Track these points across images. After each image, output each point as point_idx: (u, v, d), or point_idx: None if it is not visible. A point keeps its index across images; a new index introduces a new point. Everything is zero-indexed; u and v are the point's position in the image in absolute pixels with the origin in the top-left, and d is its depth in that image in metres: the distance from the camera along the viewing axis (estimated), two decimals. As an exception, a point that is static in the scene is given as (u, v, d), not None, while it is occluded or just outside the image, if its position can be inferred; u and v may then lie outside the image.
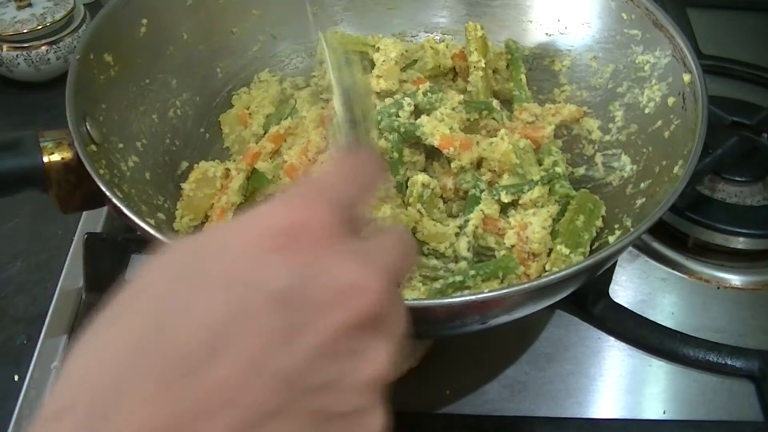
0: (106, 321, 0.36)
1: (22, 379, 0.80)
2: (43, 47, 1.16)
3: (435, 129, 0.83)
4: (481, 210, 0.81)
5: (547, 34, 1.01)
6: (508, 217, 0.83)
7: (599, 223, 0.82)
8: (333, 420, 0.36)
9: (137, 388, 0.33)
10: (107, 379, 0.33)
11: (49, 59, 1.16)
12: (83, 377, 0.34)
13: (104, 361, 0.34)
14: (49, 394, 0.34)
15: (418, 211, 0.79)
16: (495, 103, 0.92)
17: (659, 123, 0.85)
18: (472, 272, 0.75)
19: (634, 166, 0.86)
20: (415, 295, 0.75)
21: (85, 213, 0.97)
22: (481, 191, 0.83)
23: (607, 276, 0.89)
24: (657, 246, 0.96)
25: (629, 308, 0.88)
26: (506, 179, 0.85)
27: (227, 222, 0.38)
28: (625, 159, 0.88)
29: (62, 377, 0.34)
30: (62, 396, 0.34)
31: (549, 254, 0.80)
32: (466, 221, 0.80)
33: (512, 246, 0.79)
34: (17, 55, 1.15)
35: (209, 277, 0.36)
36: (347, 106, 0.48)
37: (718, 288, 0.93)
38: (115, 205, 0.68)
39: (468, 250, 0.78)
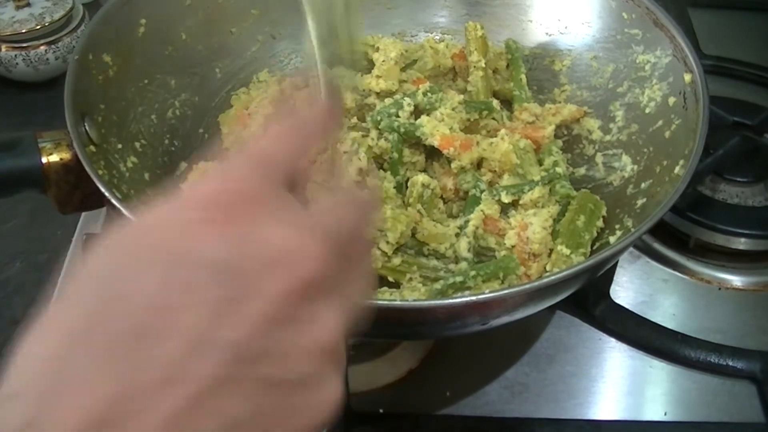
0: (53, 307, 0.36)
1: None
2: (42, 47, 1.16)
3: (435, 129, 0.83)
4: (482, 210, 0.81)
5: (547, 33, 1.01)
6: (508, 217, 0.83)
7: (600, 223, 0.82)
8: (285, 388, 0.36)
9: (82, 368, 0.33)
10: (52, 361, 0.33)
11: (47, 59, 1.16)
12: (30, 361, 0.34)
13: (50, 345, 0.34)
14: (2, 380, 0.34)
15: (418, 211, 0.79)
16: (495, 103, 0.92)
17: (660, 123, 0.85)
18: (473, 273, 0.75)
19: (635, 167, 0.86)
20: (416, 295, 0.75)
21: (84, 214, 0.97)
22: (482, 191, 0.83)
23: (608, 277, 0.89)
24: (658, 247, 0.96)
25: (630, 309, 0.88)
26: (506, 179, 0.85)
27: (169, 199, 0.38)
28: (625, 159, 0.88)
29: (12, 362, 0.34)
30: (12, 380, 0.34)
31: (550, 255, 0.80)
32: (467, 222, 0.80)
33: (513, 246, 0.79)
34: (16, 55, 1.15)
35: (148, 254, 0.36)
36: (317, 23, 0.47)
37: (720, 289, 0.93)
38: (114, 206, 0.68)
39: (468, 250, 0.78)
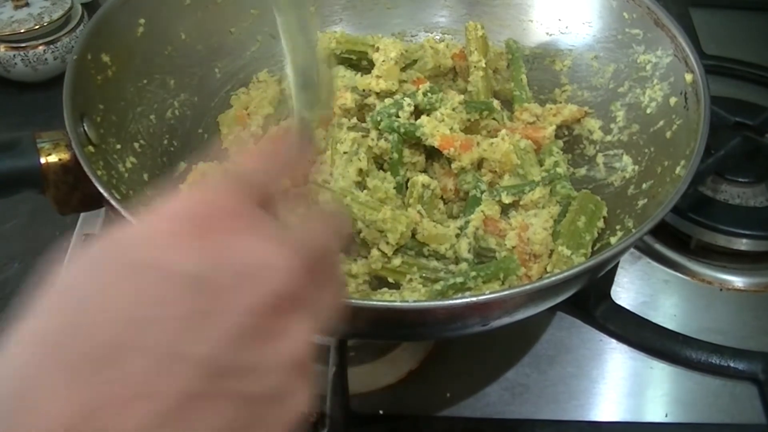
0: (23, 321, 0.35)
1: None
2: (41, 47, 1.16)
3: (435, 129, 0.83)
4: (482, 211, 0.81)
5: (547, 33, 1.01)
6: (509, 218, 0.83)
7: (601, 224, 0.82)
8: (256, 402, 0.36)
9: (50, 384, 0.33)
10: (22, 378, 0.33)
11: (46, 59, 1.16)
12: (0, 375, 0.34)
13: (18, 361, 0.34)
14: None
15: (419, 212, 0.79)
16: (495, 103, 0.92)
17: (661, 123, 0.85)
18: (473, 274, 0.75)
19: (636, 167, 0.86)
20: (416, 296, 0.75)
21: (82, 214, 0.97)
22: (482, 192, 0.83)
23: (609, 278, 0.89)
24: (659, 247, 0.96)
25: (631, 310, 0.88)
26: (507, 180, 0.85)
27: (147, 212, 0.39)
28: (626, 159, 0.88)
29: None
30: None
31: (550, 255, 0.80)
32: (467, 222, 0.80)
33: (513, 247, 0.79)
34: (14, 55, 1.15)
35: (118, 268, 0.36)
36: (297, 70, 0.48)
37: (721, 290, 0.93)
38: (113, 207, 0.68)
39: (469, 251, 0.78)
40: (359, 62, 0.95)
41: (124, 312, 0.34)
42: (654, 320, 0.87)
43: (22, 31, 1.15)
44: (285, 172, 0.45)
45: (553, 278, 0.64)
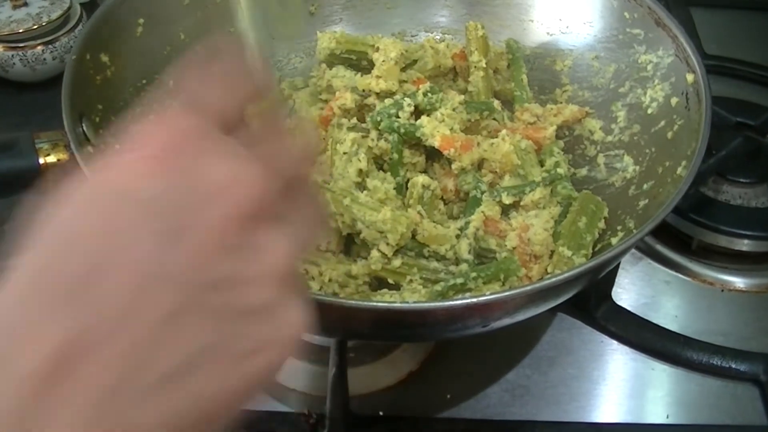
0: (12, 262, 0.37)
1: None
2: (39, 47, 1.16)
3: (435, 130, 0.83)
4: (482, 211, 0.81)
5: (548, 33, 1.01)
6: (509, 218, 0.83)
7: (602, 224, 0.82)
8: (243, 316, 0.37)
9: (39, 311, 0.34)
10: (10, 308, 0.34)
11: (45, 59, 1.16)
12: None
13: (8, 295, 0.35)
14: None
15: (419, 212, 0.79)
16: (496, 103, 0.92)
17: (662, 123, 0.85)
18: (473, 274, 0.75)
19: (637, 167, 0.86)
20: (416, 297, 0.75)
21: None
22: (482, 192, 0.83)
23: (610, 278, 0.89)
24: (660, 248, 0.96)
25: (632, 311, 0.88)
26: (507, 180, 0.85)
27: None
28: (627, 160, 0.88)
29: None
30: None
31: (551, 256, 0.80)
32: (467, 223, 0.80)
33: (514, 248, 0.79)
34: (13, 55, 1.15)
35: (92, 197, 0.37)
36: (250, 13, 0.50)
37: (722, 291, 0.93)
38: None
39: (469, 252, 0.78)
40: (359, 62, 0.95)
41: (100, 238, 0.35)
42: (655, 321, 0.87)
43: (20, 31, 1.15)
44: (242, 94, 0.45)
45: (554, 279, 0.64)
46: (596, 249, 0.80)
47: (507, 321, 0.67)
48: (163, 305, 0.35)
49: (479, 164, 0.86)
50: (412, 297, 0.75)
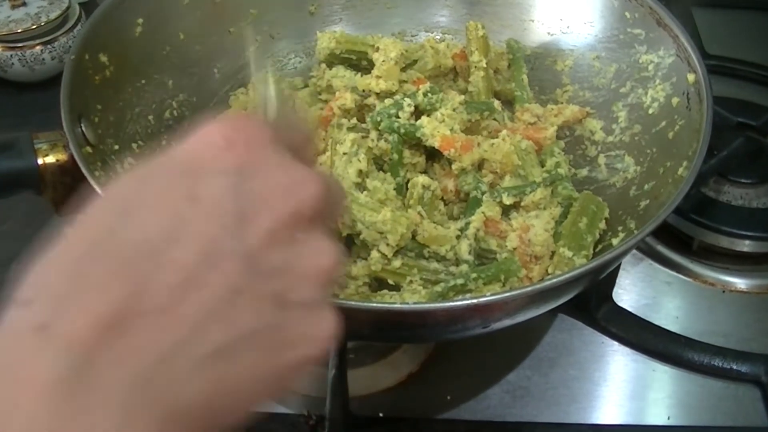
0: (68, 227, 0.37)
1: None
2: (38, 47, 1.16)
3: (435, 130, 0.83)
4: (483, 212, 0.81)
5: (549, 33, 1.01)
6: (509, 219, 0.83)
7: (602, 225, 0.82)
8: (291, 308, 0.39)
9: (96, 274, 0.34)
10: (66, 269, 0.35)
11: (43, 59, 1.16)
12: (44, 270, 0.36)
13: (64, 256, 0.36)
14: (18, 288, 0.35)
15: (419, 213, 0.79)
16: (496, 103, 0.93)
17: (663, 123, 0.85)
18: (474, 275, 0.75)
19: (638, 168, 0.86)
20: (416, 298, 0.75)
21: (80, 215, 0.96)
22: (483, 193, 0.83)
23: (611, 279, 0.89)
24: (661, 249, 0.97)
25: (633, 312, 0.88)
26: (508, 181, 0.85)
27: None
28: (628, 160, 0.88)
29: (28, 274, 0.36)
30: (26, 288, 0.35)
31: (551, 257, 0.80)
32: (468, 224, 0.80)
33: (514, 249, 0.79)
34: (11, 55, 1.15)
35: (164, 171, 0.39)
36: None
37: (724, 292, 0.93)
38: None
39: (469, 252, 0.78)
40: (359, 62, 0.95)
41: (166, 208, 0.36)
42: (656, 322, 0.87)
43: (19, 30, 1.15)
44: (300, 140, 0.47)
45: (555, 280, 0.64)
46: (597, 250, 0.80)
47: (507, 322, 0.67)
48: (225, 281, 0.36)
49: (479, 165, 0.86)
50: (412, 298, 0.75)
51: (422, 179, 0.82)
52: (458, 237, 0.80)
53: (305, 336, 0.39)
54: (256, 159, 0.40)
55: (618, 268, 0.87)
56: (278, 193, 0.39)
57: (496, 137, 0.87)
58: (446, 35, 1.06)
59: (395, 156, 0.84)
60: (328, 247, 0.41)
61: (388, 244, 0.76)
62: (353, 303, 0.66)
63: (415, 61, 0.96)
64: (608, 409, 0.81)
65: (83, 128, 0.77)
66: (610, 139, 0.92)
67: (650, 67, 0.89)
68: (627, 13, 0.92)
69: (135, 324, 0.33)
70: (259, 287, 0.37)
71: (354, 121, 0.88)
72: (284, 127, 0.46)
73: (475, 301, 0.62)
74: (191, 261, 0.35)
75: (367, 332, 0.72)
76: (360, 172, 0.81)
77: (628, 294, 0.92)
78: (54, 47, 1.16)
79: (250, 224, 0.37)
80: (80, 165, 0.71)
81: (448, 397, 0.81)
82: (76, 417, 0.32)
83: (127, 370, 0.33)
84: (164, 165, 0.39)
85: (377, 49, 0.91)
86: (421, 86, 0.89)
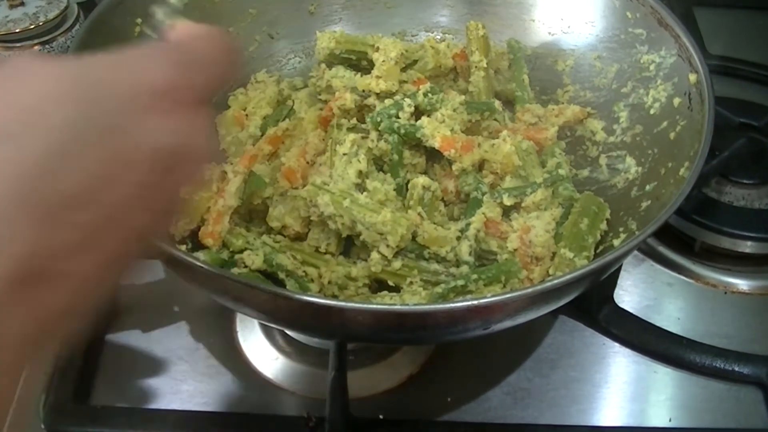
0: None
1: (14, 385, 0.81)
2: (36, 47, 1.16)
3: (436, 130, 0.83)
4: (483, 213, 0.81)
5: (550, 33, 1.01)
6: (510, 220, 0.83)
7: (604, 226, 0.82)
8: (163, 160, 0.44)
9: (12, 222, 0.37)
10: None
11: (41, 59, 1.16)
12: None
13: None
14: None
15: (419, 214, 0.79)
16: (497, 103, 0.93)
17: (665, 124, 0.85)
18: (474, 276, 0.75)
19: (639, 168, 0.86)
20: (416, 300, 0.75)
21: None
22: (483, 194, 0.83)
23: (612, 280, 0.89)
24: (663, 250, 0.97)
25: (634, 313, 0.88)
26: (508, 182, 0.86)
27: (105, 63, 0.48)
28: (629, 161, 0.88)
29: None
30: None
31: (552, 258, 0.80)
32: (468, 224, 0.80)
33: (515, 250, 0.79)
34: (9, 55, 1.15)
35: (93, 125, 0.41)
36: None
37: (726, 293, 0.93)
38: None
39: (470, 254, 0.78)
40: (359, 62, 0.95)
41: (95, 165, 0.40)
42: (658, 324, 0.87)
43: (17, 30, 1.15)
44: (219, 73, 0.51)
45: (556, 281, 0.64)
46: (598, 251, 0.80)
47: (508, 323, 0.67)
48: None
49: (480, 165, 0.86)
50: (412, 299, 0.75)
51: (422, 180, 0.82)
52: (459, 238, 0.80)
53: (183, 155, 0.45)
54: (187, 122, 0.45)
55: (619, 269, 0.88)
56: (184, 160, 0.45)
57: (497, 138, 0.88)
58: (447, 35, 1.06)
59: (395, 157, 0.84)
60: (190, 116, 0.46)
61: (388, 246, 0.76)
62: (353, 304, 0.66)
63: (416, 61, 0.96)
64: (609, 410, 0.81)
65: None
66: (612, 139, 0.92)
67: (652, 67, 0.89)
68: (628, 13, 0.92)
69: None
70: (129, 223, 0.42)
71: (354, 121, 0.88)
72: (196, 65, 0.49)
73: (475, 302, 0.62)
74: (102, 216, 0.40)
75: (367, 334, 0.72)
76: (360, 172, 0.81)
77: (629, 295, 0.92)
78: (52, 47, 1.16)
79: (156, 186, 0.43)
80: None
81: (449, 399, 0.81)
82: None
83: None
84: (100, 104, 0.42)
85: (377, 49, 0.91)
86: (421, 86, 0.89)
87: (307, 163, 0.85)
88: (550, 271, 0.79)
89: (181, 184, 0.46)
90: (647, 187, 0.83)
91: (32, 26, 1.15)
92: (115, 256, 0.42)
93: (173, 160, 0.44)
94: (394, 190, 0.81)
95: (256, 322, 0.88)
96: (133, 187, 0.41)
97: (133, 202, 0.41)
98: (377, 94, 0.89)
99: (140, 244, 0.45)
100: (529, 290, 0.63)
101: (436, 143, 0.83)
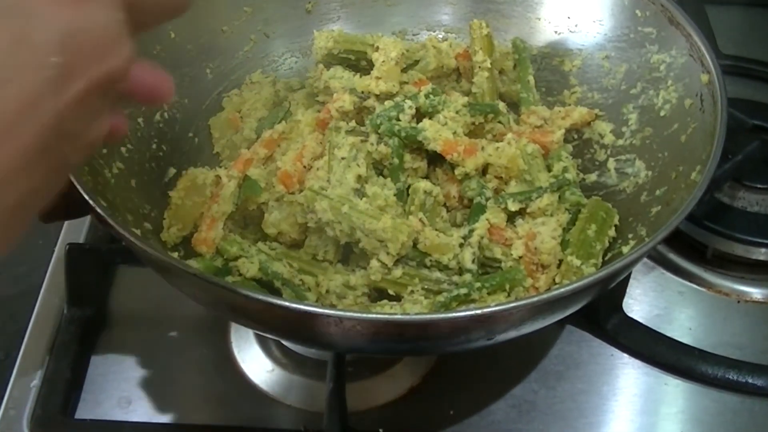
0: None
1: (0, 396, 0.81)
2: None
3: (438, 133, 0.83)
4: (487, 219, 0.81)
5: (556, 32, 1.01)
6: (515, 226, 0.83)
7: (612, 232, 0.82)
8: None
9: None
10: None
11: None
12: None
13: None
14: None
15: (420, 220, 0.80)
16: (501, 105, 0.93)
17: (675, 126, 0.86)
18: (478, 285, 0.75)
19: (649, 172, 0.86)
20: (418, 309, 0.75)
21: (66, 222, 0.97)
22: (487, 199, 0.83)
23: (621, 289, 0.89)
24: (673, 257, 0.97)
25: (644, 323, 0.88)
26: (513, 186, 0.86)
27: None
28: (639, 164, 0.88)
29: None
30: None
31: (559, 266, 0.80)
32: (471, 231, 0.80)
33: (520, 257, 0.79)
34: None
35: None
36: None
37: (739, 302, 0.93)
38: (98, 214, 0.68)
39: (473, 261, 0.78)
40: (358, 62, 0.96)
41: None
42: (668, 334, 0.87)
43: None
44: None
45: (562, 290, 0.64)
46: (606, 258, 0.81)
47: (513, 333, 0.68)
48: (37, 140, 0.41)
49: (484, 169, 0.87)
50: (413, 308, 0.75)
51: (424, 185, 0.82)
52: (461, 245, 0.80)
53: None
54: (94, 11, 0.43)
55: (628, 277, 0.88)
56: (99, 54, 0.43)
57: (501, 141, 0.88)
58: (449, 34, 1.06)
59: (396, 160, 0.84)
60: (105, 119, 0.48)
61: (388, 253, 0.76)
62: (352, 314, 0.66)
63: (417, 62, 0.97)
64: (618, 424, 0.82)
65: (70, 131, 0.77)
66: (620, 142, 0.92)
67: (662, 68, 0.90)
68: (638, 11, 0.93)
69: None
70: (59, 148, 0.43)
71: (353, 124, 0.88)
72: None
73: (479, 311, 0.62)
74: (11, 109, 0.39)
75: (366, 345, 0.72)
76: (359, 177, 0.81)
77: (638, 304, 0.92)
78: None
79: (69, 82, 0.42)
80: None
81: (451, 412, 0.81)
82: None
83: None
84: None
85: (377, 49, 0.92)
86: (422, 87, 0.89)
87: (304, 167, 0.85)
88: (557, 280, 0.79)
89: (106, 80, 0.45)
90: (657, 192, 0.83)
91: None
92: (37, 153, 0.42)
93: (90, 49, 0.43)
94: (395, 195, 0.82)
95: (251, 332, 0.88)
96: (46, 72, 0.41)
97: (45, 88, 0.41)
98: (377, 95, 0.90)
99: (70, 144, 0.45)
100: (535, 299, 0.63)
101: (438, 146, 0.83)
